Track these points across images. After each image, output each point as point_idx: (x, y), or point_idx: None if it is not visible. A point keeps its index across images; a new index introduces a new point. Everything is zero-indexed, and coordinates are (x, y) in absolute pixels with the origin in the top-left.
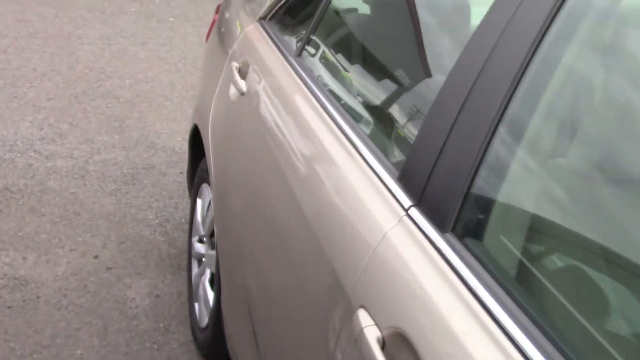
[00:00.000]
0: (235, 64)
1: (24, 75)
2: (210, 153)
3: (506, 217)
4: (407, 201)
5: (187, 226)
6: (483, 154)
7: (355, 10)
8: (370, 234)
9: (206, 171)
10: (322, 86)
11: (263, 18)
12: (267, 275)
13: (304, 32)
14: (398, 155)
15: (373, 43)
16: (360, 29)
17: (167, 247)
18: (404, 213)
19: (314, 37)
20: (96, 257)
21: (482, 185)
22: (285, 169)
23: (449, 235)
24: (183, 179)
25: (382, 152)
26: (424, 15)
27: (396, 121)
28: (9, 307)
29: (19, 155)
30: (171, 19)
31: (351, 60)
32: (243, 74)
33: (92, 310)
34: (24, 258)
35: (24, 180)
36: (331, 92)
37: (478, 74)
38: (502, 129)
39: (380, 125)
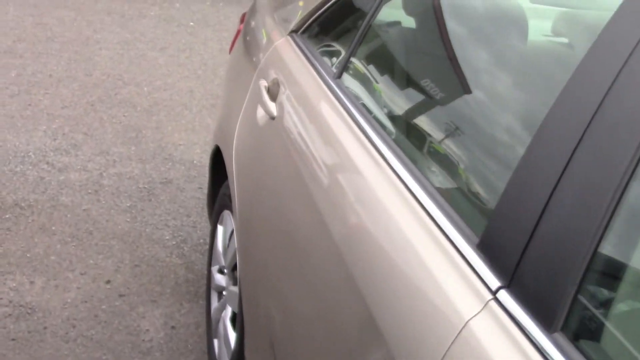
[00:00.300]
0: (263, 83)
1: (40, 81)
2: (234, 180)
3: None
4: (493, 280)
5: (205, 247)
6: (608, 221)
7: (398, 23)
8: (443, 323)
9: (228, 197)
10: (369, 116)
11: (295, 31)
12: (294, 317)
13: (342, 48)
14: (476, 215)
15: (427, 65)
16: (408, 47)
17: (184, 271)
18: (490, 297)
19: (355, 57)
20: (108, 282)
21: (605, 264)
22: (325, 214)
23: (558, 336)
24: (201, 195)
25: (454, 208)
26: (478, 29)
27: (470, 168)
28: (13, 340)
29: (30, 167)
30: (191, 23)
31: (402, 86)
32: (273, 95)
33: (103, 343)
34: (32, 282)
35: (35, 195)
36: (380, 124)
37: (596, 110)
38: (636, 187)
39: (449, 171)
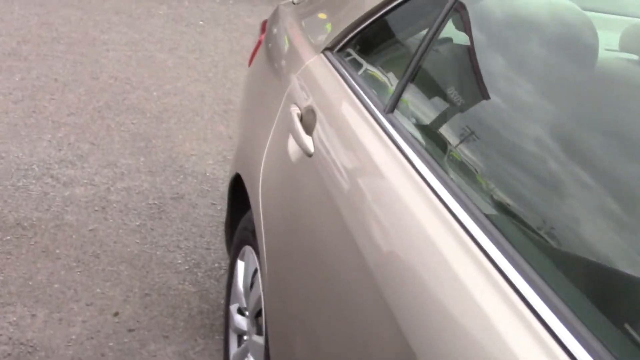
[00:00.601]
0: (295, 110)
1: (45, 86)
2: (261, 219)
3: None
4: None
5: (220, 272)
6: None
7: (449, 40)
8: None
9: (251, 232)
10: (432, 162)
11: (330, 49)
12: None
13: (392, 74)
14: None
15: (505, 101)
16: (472, 71)
17: (197, 300)
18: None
19: (411, 87)
20: (116, 314)
21: None
22: (374, 271)
23: None
24: (215, 212)
25: (547, 282)
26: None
27: (565, 229)
28: None
29: (34, 182)
30: (201, 22)
31: (470, 126)
32: (307, 126)
33: None
34: (33, 316)
35: (38, 213)
36: (445, 172)
37: None
38: None
39: (537, 238)
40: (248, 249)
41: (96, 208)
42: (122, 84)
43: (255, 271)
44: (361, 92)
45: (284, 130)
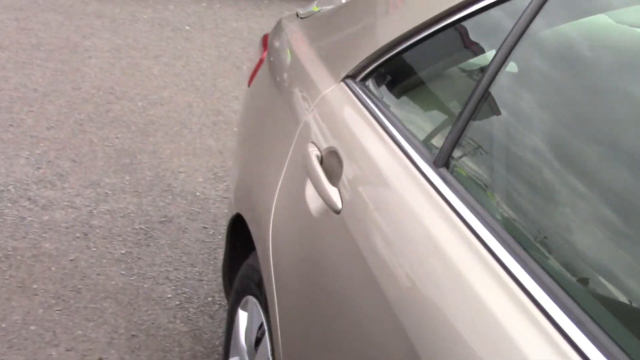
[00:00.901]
0: (314, 151)
1: (23, 96)
2: (272, 277)
3: None
4: None
5: (214, 308)
6: None
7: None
8: None
9: (255, 283)
10: (509, 239)
11: (352, 76)
12: None
13: (436, 111)
14: None
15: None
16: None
17: (190, 341)
18: None
19: (469, 134)
20: None
21: None
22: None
23: None
24: (207, 237)
25: None
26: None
27: None
28: None
29: (9, 205)
30: (187, 27)
31: (564, 193)
32: (331, 174)
33: None
34: None
35: (14, 242)
36: (530, 255)
37: None
38: None
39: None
40: (252, 300)
41: (77, 234)
42: (105, 94)
43: (261, 325)
44: (399, 137)
45: (299, 173)
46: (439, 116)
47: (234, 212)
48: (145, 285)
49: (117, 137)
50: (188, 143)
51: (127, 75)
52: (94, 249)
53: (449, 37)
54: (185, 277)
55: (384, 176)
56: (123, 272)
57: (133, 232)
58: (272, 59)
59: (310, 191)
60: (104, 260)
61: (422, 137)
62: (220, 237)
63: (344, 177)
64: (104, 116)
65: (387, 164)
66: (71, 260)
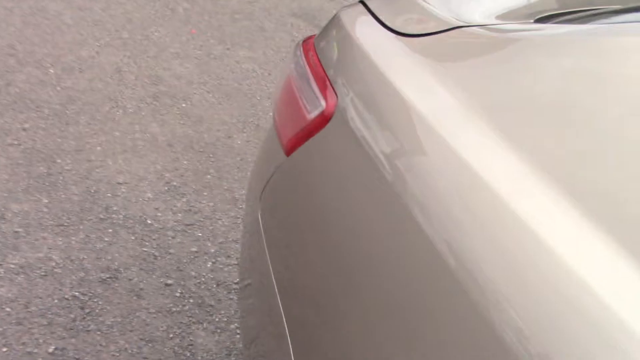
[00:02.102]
0: None
1: None
2: None
3: None
4: None
5: None
6: None
7: None
8: None
9: None
10: None
11: None
12: None
13: None
14: None
15: None
16: None
17: None
18: None
19: None
20: None
21: None
22: None
23: None
24: (172, 301)
25: None
26: None
27: None
28: None
29: None
30: None
31: None
32: None
33: None
34: None
35: None
36: None
37: None
38: None
39: None
40: None
41: None
42: (3, 56)
43: None
44: None
45: None
46: None
47: None
48: None
49: (24, 129)
50: (124, 132)
51: (30, 27)
52: (5, 350)
53: None
54: None
55: None
56: None
57: (63, 308)
58: (356, 104)
59: None
60: None
61: None
62: (192, 300)
63: None
64: (3, 93)
65: None
66: None
